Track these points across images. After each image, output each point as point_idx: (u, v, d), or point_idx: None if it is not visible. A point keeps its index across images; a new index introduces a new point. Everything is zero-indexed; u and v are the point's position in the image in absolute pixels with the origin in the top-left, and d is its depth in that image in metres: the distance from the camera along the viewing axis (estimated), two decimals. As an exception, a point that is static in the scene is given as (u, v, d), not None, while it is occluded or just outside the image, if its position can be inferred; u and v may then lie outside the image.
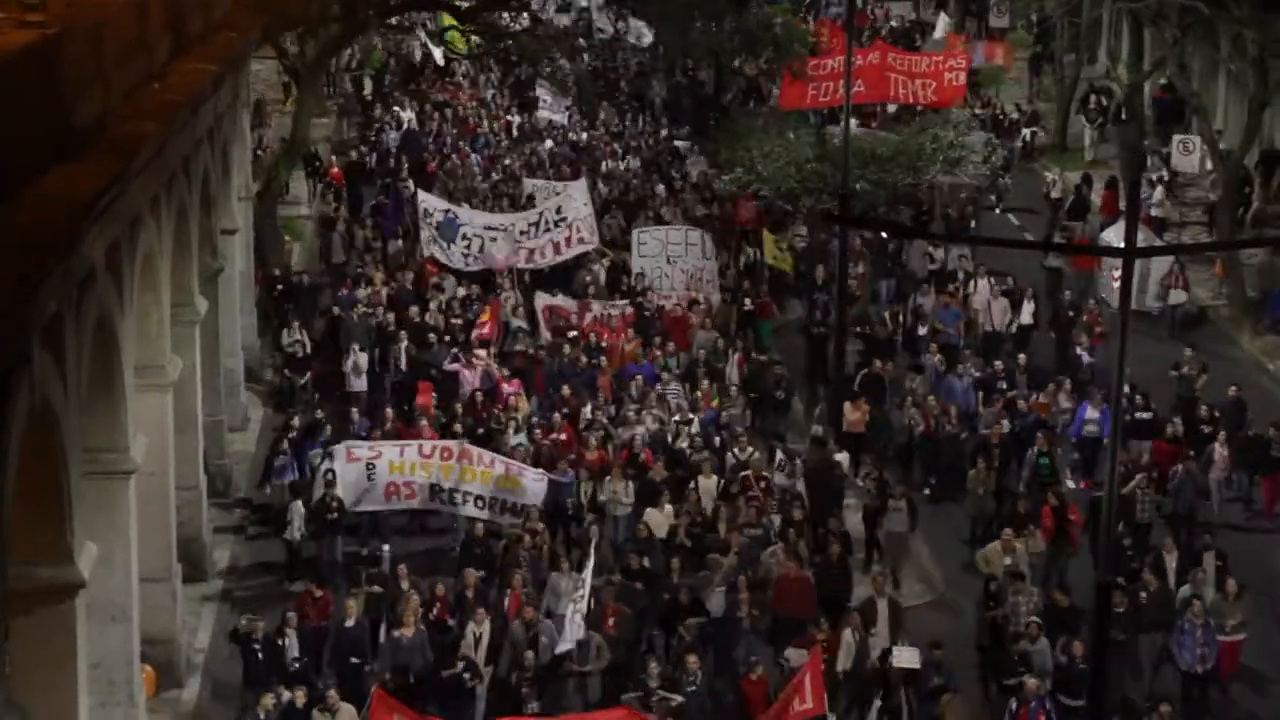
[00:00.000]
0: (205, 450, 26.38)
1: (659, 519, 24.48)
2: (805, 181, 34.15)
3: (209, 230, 27.00)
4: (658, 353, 30.54)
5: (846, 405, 29.29)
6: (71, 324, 16.51)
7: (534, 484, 24.86)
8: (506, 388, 28.82)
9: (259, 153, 39.34)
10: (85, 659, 17.36)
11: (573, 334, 30.80)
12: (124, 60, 19.67)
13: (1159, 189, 42.27)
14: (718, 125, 46.07)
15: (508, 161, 42.68)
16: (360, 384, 30.20)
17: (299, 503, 25.40)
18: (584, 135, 46.03)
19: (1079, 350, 31.78)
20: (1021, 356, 31.16)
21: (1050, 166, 47.02)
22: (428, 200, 34.54)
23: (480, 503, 24.79)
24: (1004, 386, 29.86)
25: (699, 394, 28.96)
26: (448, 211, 33.97)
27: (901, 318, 33.88)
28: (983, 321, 33.49)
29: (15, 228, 14.49)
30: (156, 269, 21.78)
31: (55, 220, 15.17)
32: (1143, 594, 22.72)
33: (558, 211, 34.23)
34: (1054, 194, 43.12)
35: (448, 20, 46.10)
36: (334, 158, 43.10)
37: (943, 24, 55.93)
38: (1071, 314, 33.41)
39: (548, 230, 33.92)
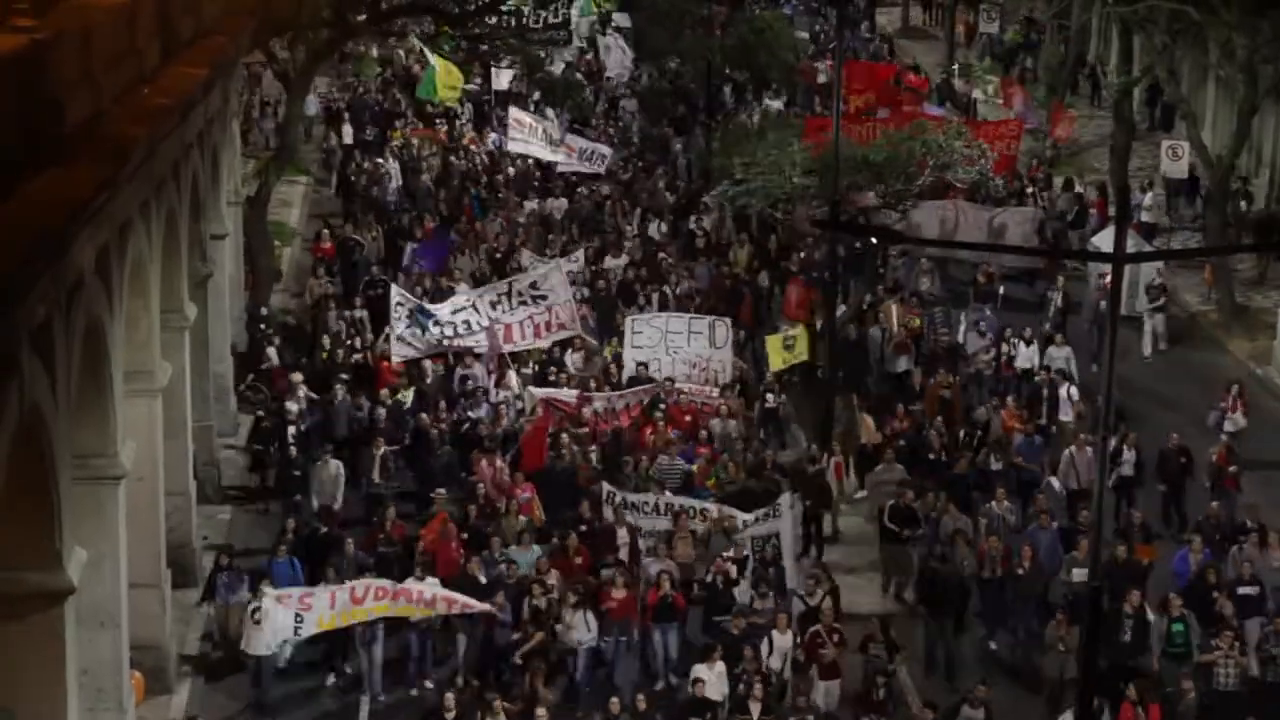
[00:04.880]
0: (194, 456, 26.30)
1: (710, 678, 21.14)
2: (797, 189, 33.93)
3: (198, 235, 26.93)
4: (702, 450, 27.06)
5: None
6: (61, 329, 16.50)
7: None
8: (520, 493, 25.74)
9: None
10: (74, 665, 17.31)
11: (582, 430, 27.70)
12: (113, 65, 19.65)
13: (1149, 194, 42.29)
14: (707, 135, 45.76)
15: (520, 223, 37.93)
16: (337, 500, 26.24)
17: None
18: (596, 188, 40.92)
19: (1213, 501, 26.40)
20: (1136, 512, 25.96)
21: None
22: (400, 294, 30.61)
23: None
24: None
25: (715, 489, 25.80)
26: (419, 304, 30.61)
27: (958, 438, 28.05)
28: (1065, 475, 27.06)
29: (4, 231, 14.49)
30: (146, 274, 21.75)
31: (44, 224, 15.16)
32: None
33: (533, 286, 31.02)
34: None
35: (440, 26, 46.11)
36: (326, 230, 38.09)
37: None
38: (1184, 460, 27.62)
39: (524, 304, 30.75)
